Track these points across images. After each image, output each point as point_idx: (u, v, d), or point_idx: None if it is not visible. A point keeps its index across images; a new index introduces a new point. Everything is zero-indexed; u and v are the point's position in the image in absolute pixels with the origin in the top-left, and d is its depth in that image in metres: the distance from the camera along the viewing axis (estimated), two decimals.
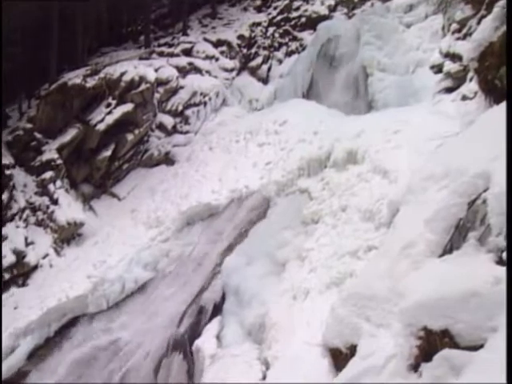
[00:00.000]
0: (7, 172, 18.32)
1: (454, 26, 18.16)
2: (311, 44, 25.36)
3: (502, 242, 6.34)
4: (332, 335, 8.71)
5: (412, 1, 24.83)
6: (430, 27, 22.63)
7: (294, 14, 29.11)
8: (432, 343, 6.07)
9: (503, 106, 7.93)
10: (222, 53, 26.50)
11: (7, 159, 18.73)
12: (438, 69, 18.89)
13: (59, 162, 19.54)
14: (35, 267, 17.33)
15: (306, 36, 27.93)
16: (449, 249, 7.39)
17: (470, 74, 14.59)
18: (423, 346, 6.18)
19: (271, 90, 25.32)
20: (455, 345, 5.86)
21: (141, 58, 24.25)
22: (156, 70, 22.66)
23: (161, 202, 18.85)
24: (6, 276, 16.65)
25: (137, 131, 21.24)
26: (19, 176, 18.81)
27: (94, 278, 15.90)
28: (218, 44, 26.80)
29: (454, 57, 17.56)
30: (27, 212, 18.18)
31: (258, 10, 29.95)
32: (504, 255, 6.16)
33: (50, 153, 19.56)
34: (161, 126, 22.61)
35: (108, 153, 20.55)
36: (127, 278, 15.87)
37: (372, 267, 9.18)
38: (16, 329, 14.74)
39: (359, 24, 24.29)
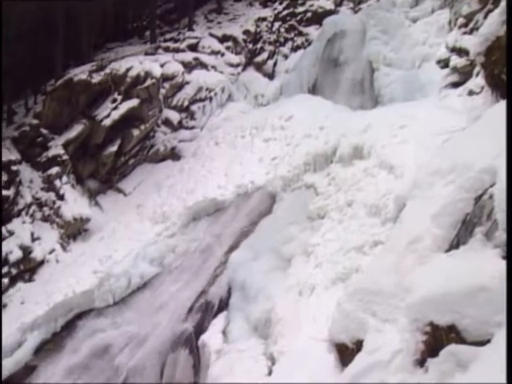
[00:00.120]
0: (13, 168, 18.40)
1: (461, 20, 18.07)
2: (317, 39, 25.24)
3: None
4: (338, 330, 8.68)
5: None
6: (437, 22, 22.47)
7: (300, 9, 29.00)
8: (438, 338, 6.05)
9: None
10: (227, 48, 26.47)
11: (13, 155, 18.82)
12: (444, 63, 18.79)
13: (65, 157, 19.60)
14: (42, 262, 17.42)
15: (312, 31, 27.82)
16: (455, 244, 7.36)
17: (477, 69, 14.52)
18: (429, 341, 6.16)
19: (277, 85, 25.25)
20: (462, 340, 5.84)
21: (146, 54, 24.25)
22: (162, 66, 22.67)
23: (167, 198, 18.88)
24: (13, 271, 16.77)
25: (143, 127, 21.27)
26: (25, 172, 18.89)
27: (100, 273, 15.96)
28: (223, 39, 26.77)
29: (461, 51, 17.46)
30: (33, 207, 18.26)
31: (264, 4, 29.88)
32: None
33: (56, 148, 19.62)
34: (167, 122, 22.61)
35: (114, 148, 20.61)
36: (133, 273, 15.92)
37: (378, 262, 9.16)
38: (23, 324, 14.86)
39: (365, 19, 24.15)
